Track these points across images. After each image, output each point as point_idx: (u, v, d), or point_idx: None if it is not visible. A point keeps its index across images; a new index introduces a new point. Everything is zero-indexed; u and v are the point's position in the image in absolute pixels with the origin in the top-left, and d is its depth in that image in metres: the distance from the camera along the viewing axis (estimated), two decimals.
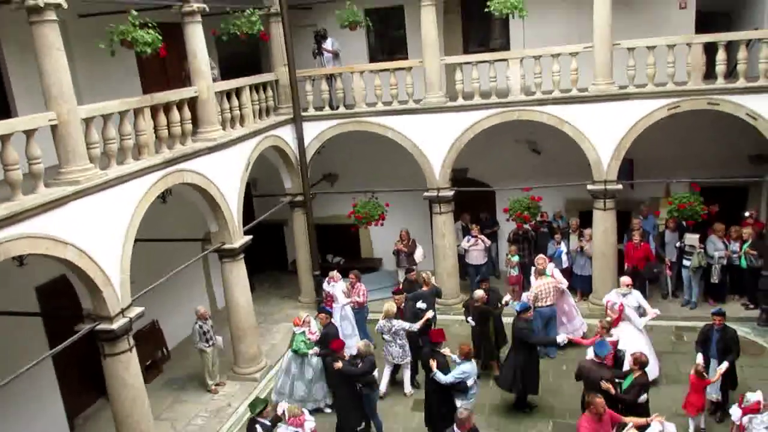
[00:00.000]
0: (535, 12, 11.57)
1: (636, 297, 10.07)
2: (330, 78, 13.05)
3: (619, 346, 8.99)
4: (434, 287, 11.15)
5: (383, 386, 10.18)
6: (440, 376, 8.37)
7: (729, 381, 8.85)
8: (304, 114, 12.85)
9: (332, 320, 10.27)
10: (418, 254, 13.27)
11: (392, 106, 12.57)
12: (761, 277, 11.37)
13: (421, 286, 11.20)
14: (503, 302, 10.68)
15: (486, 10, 10.94)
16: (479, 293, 10.41)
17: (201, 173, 9.74)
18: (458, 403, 8.44)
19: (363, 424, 9.14)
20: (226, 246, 10.63)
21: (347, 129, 12.91)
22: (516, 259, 12.57)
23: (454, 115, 12.26)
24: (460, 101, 12.21)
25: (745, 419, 6.87)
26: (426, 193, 12.80)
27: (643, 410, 7.77)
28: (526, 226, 12.90)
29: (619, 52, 11.29)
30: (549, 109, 11.81)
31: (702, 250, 11.70)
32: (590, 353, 8.40)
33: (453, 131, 12.31)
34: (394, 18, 14.07)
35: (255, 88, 11.80)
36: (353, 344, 10.34)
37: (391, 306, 10.05)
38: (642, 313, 9.97)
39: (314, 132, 13.01)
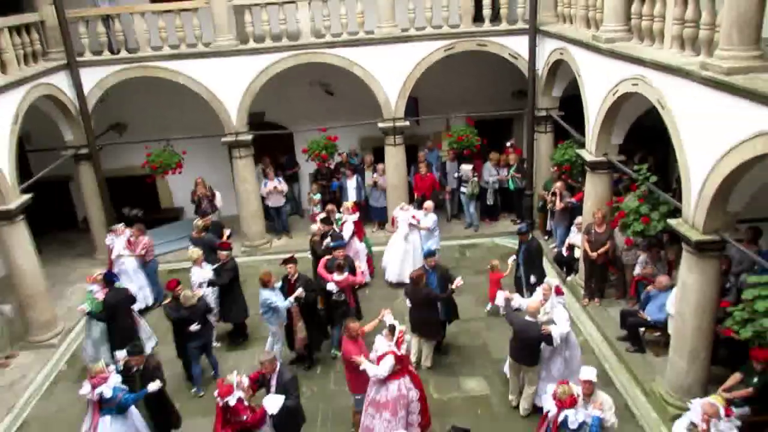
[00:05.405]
0: None
1: (431, 219, 11.52)
2: (107, 19, 12.10)
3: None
4: (201, 238, 10.85)
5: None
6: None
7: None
8: (79, 59, 11.85)
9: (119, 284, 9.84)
10: (218, 199, 13.15)
11: (180, 50, 12.08)
12: (524, 196, 13.23)
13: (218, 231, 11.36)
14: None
15: None
16: (315, 228, 11.11)
17: None
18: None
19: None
20: (0, 208, 9.70)
21: (132, 75, 12.17)
22: (318, 197, 13.10)
23: (246, 59, 12.15)
24: (252, 44, 12.11)
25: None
26: (224, 138, 12.67)
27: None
28: (326, 165, 13.43)
29: None
30: (339, 51, 12.21)
31: (476, 179, 13.19)
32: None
33: (247, 75, 12.24)
34: None
35: (16, 30, 10.58)
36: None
37: (192, 251, 10.12)
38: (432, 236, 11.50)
39: (94, 79, 12.08)
